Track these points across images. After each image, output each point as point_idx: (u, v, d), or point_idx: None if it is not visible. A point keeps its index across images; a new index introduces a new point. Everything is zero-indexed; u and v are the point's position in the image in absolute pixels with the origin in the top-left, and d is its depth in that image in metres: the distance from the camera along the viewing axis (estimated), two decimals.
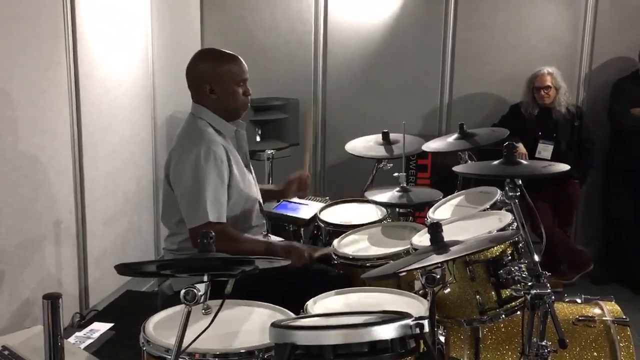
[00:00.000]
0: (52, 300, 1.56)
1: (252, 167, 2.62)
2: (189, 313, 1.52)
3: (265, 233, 2.64)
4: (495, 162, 2.19)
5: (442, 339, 2.28)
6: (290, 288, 2.23)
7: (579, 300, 2.32)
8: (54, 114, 3.00)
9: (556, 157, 4.10)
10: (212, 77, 2.43)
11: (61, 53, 3.04)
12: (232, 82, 2.44)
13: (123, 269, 1.52)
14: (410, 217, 3.07)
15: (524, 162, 2.22)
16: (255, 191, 2.55)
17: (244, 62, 2.49)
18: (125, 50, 3.64)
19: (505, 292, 1.98)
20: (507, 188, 2.07)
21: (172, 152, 2.45)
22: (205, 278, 1.53)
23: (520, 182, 2.08)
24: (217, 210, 2.31)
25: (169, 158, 2.46)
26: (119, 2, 3.55)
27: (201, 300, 1.51)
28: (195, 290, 1.50)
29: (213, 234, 1.61)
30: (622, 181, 4.36)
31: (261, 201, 2.62)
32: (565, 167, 2.15)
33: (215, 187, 2.32)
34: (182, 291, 1.49)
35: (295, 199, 3.18)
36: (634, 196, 4.33)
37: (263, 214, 2.62)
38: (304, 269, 2.37)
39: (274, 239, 2.71)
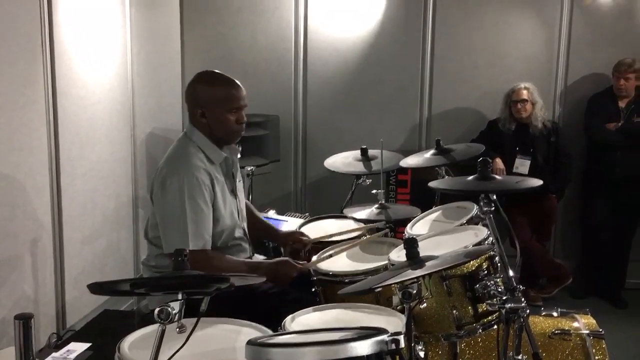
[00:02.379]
0: (24, 321, 1.54)
1: (239, 192, 2.60)
2: (163, 332, 1.51)
3: (250, 256, 2.63)
4: (470, 177, 2.21)
5: (422, 354, 2.29)
6: (270, 305, 2.22)
7: (555, 314, 2.34)
8: (31, 131, 2.97)
9: (533, 172, 4.15)
10: (203, 102, 2.40)
11: (39, 70, 3.02)
12: (223, 109, 2.39)
13: (96, 288, 1.50)
14: (392, 232, 3.07)
15: (498, 177, 2.24)
16: (236, 215, 2.54)
17: (242, 88, 2.44)
18: (104, 67, 3.63)
19: (482, 307, 1.99)
20: (481, 203, 2.10)
21: (158, 171, 2.43)
22: (180, 296, 1.52)
23: (494, 197, 2.10)
24: (200, 238, 2.32)
25: (154, 176, 2.44)
26: (97, 20, 3.55)
27: (175, 319, 1.50)
28: (169, 309, 1.49)
29: (187, 251, 1.60)
30: (600, 194, 4.41)
31: (245, 226, 2.61)
32: (538, 182, 2.17)
33: (199, 215, 2.31)
34: (156, 309, 1.48)
35: (275, 215, 3.17)
36: (611, 209, 4.39)
37: (246, 236, 2.62)
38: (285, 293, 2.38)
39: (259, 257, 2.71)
